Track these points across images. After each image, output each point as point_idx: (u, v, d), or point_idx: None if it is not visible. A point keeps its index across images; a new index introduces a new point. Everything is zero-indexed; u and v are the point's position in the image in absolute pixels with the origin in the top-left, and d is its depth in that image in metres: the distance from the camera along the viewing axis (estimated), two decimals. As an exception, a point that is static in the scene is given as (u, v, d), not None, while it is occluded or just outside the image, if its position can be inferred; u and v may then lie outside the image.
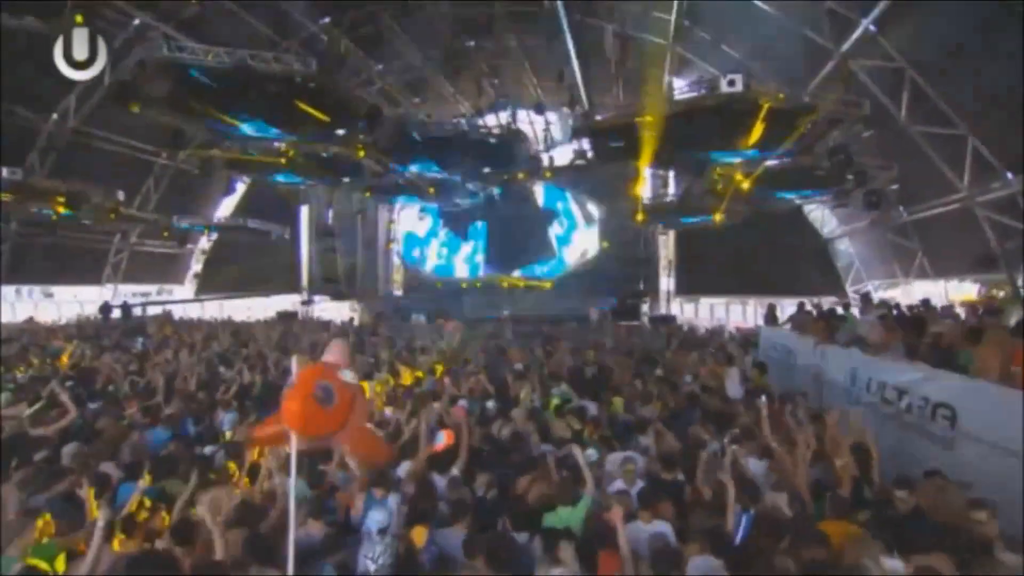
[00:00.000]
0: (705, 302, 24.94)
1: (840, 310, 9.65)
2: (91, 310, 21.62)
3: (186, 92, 10.57)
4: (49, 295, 23.59)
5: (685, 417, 6.49)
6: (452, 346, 13.03)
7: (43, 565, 3.22)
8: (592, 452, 4.58)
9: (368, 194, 18.47)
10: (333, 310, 25.99)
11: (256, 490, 4.19)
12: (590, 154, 14.02)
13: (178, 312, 22.85)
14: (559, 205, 25.80)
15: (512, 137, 14.76)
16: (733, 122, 9.70)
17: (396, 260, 28.51)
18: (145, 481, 4.04)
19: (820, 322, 9.16)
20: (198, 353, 11.35)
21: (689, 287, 24.45)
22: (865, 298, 9.90)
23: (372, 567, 3.10)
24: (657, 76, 15.13)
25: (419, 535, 3.54)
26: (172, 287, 26.47)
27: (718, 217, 15.44)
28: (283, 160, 14.35)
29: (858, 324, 7.95)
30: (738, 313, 23.68)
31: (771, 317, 12.45)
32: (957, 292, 15.88)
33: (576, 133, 14.01)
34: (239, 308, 24.64)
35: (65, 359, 10.38)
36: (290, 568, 2.37)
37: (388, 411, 6.46)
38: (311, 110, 10.74)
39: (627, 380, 8.35)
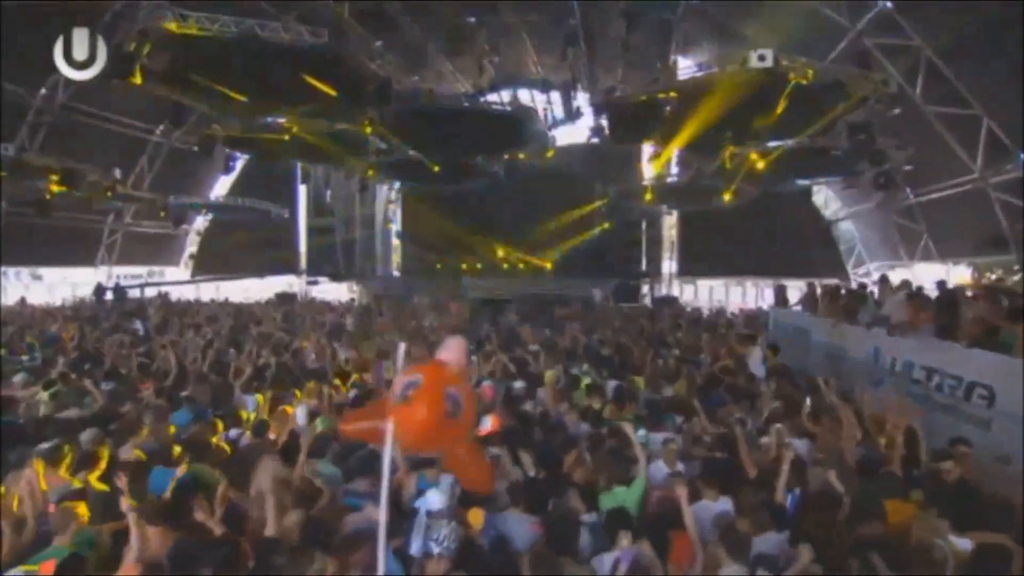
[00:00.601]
0: (704, 284, 24.96)
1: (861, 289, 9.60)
2: (82, 292, 21.17)
3: (188, 64, 10.12)
4: (38, 277, 23.06)
5: (710, 396, 6.45)
6: (460, 327, 12.91)
7: (87, 552, 3.13)
8: (643, 432, 4.50)
9: (371, 173, 18.10)
10: (331, 291, 25.72)
11: (297, 474, 4.06)
12: (607, 131, 13.72)
13: (173, 294, 22.49)
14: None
15: (522, 114, 14.42)
16: (763, 101, 9.47)
17: (395, 240, 28.21)
18: (182, 469, 3.93)
19: (839, 302, 9.12)
20: (204, 335, 11.15)
21: (691, 269, 24.42)
22: (883, 280, 9.87)
23: (436, 548, 3.00)
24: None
25: (476, 517, 3.44)
26: (166, 268, 26.03)
27: (727, 197, 15.26)
28: (286, 137, 13.90)
29: (884, 303, 7.90)
30: (738, 295, 23.76)
31: (781, 298, 12.44)
32: (952, 275, 15.97)
33: (595, 110, 13.70)
34: (235, 289, 24.26)
35: (66, 337, 10.16)
36: (381, 568, 2.22)
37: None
38: (319, 84, 10.37)
39: (647, 360, 8.28)
